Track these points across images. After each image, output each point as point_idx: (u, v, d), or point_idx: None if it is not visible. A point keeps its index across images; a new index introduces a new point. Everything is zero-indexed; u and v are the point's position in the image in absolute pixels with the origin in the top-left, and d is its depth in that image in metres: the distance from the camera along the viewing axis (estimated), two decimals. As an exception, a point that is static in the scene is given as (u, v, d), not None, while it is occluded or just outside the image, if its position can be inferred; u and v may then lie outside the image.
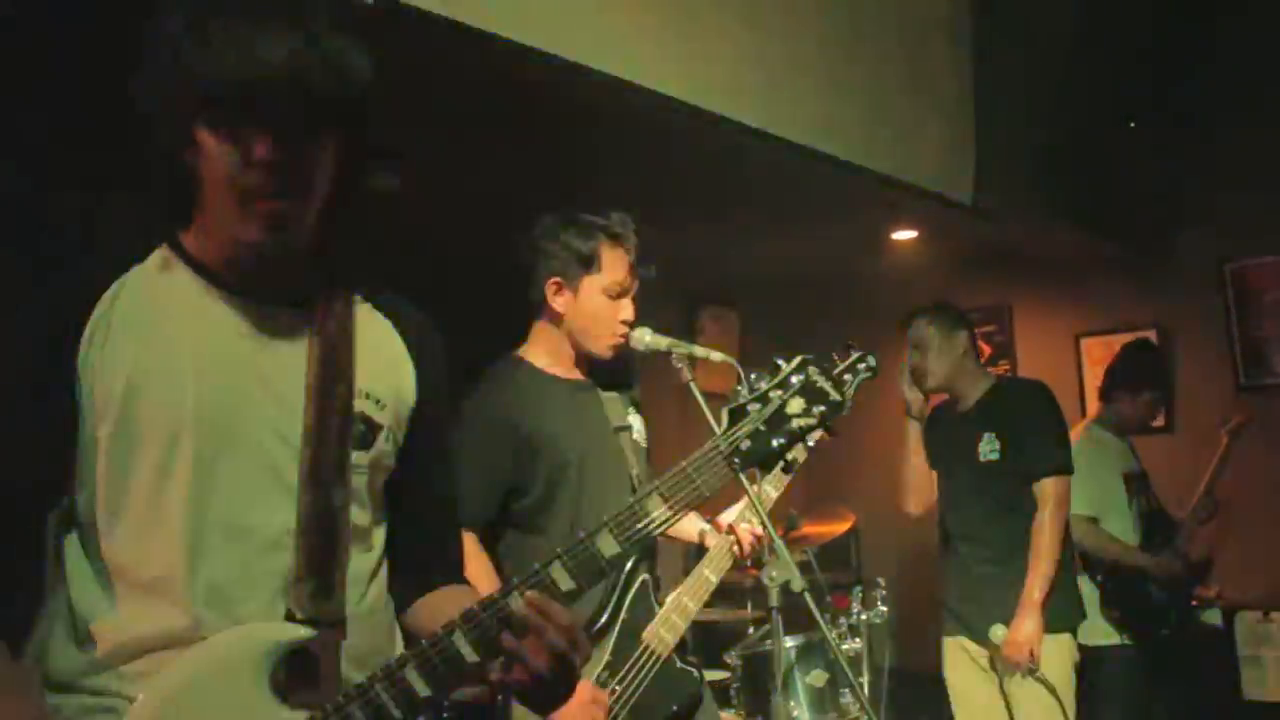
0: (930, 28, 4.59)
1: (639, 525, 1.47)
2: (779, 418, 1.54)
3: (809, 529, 4.34)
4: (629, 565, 2.71)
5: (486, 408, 2.71)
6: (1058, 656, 3.67)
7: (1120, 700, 4.20)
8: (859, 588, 3.90)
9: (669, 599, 2.77)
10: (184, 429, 1.38)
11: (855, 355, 3.11)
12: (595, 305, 2.73)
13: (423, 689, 1.37)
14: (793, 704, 3.54)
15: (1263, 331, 5.42)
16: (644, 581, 2.73)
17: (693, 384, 2.51)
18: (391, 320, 1.59)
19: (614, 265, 2.74)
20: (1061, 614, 3.72)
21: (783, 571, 2.29)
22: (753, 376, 1.57)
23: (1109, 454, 4.46)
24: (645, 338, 2.67)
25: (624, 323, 2.74)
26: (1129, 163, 5.39)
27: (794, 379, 1.57)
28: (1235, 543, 5.03)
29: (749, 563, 2.93)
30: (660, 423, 3.10)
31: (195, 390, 1.39)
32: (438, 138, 3.92)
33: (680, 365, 2.58)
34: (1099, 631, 4.22)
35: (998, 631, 3.57)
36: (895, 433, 4.43)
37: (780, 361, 1.59)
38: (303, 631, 1.37)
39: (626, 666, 2.65)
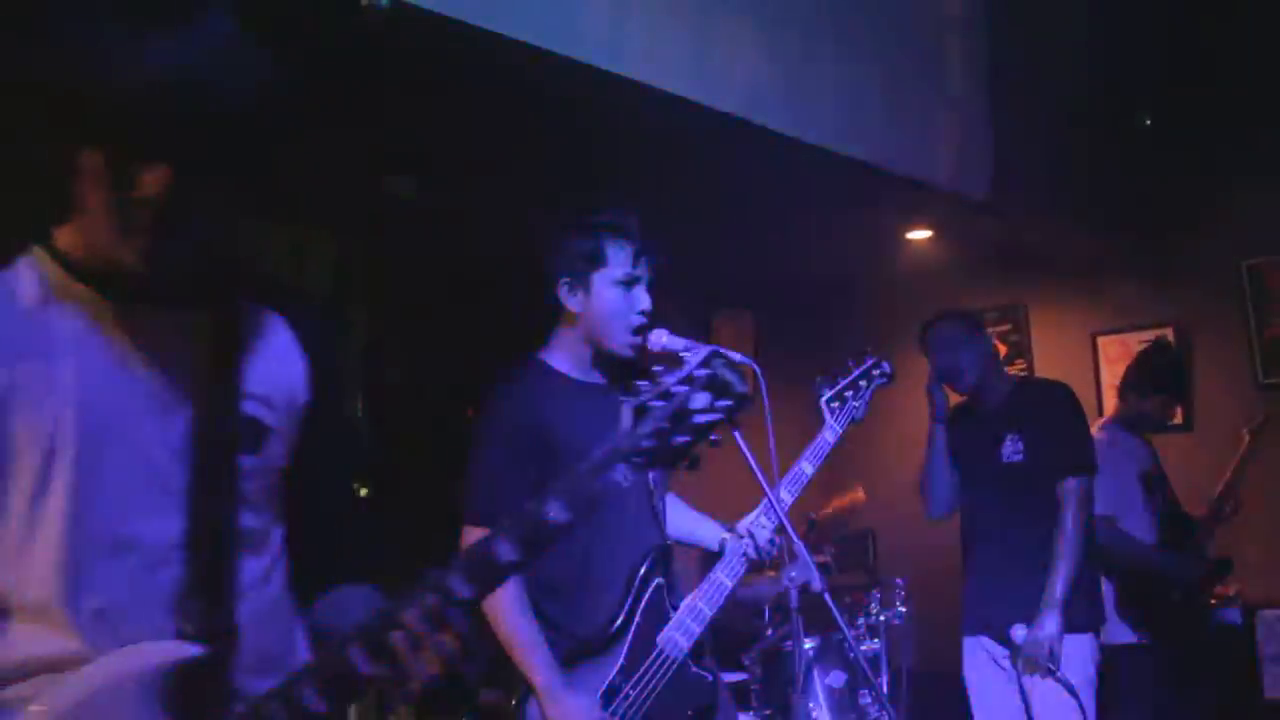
0: (945, 27, 4.58)
1: (537, 530, 1.42)
2: (682, 414, 1.47)
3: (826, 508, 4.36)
4: (644, 568, 2.71)
5: (505, 410, 2.72)
6: (1079, 656, 3.64)
7: (1139, 700, 4.18)
8: (877, 588, 3.90)
9: (684, 604, 2.76)
10: (61, 442, 1.33)
11: (870, 361, 3.14)
12: (609, 298, 2.72)
13: (317, 704, 1.34)
14: (811, 705, 3.54)
15: (1282, 329, 5.39)
16: (658, 586, 2.73)
17: (710, 386, 2.50)
18: (285, 319, 1.55)
19: (619, 256, 2.74)
20: (1083, 614, 3.70)
21: (802, 573, 2.29)
22: (657, 369, 1.52)
23: (1127, 453, 4.43)
24: (662, 339, 2.67)
25: (642, 313, 2.74)
26: (1145, 160, 5.37)
27: (699, 373, 1.49)
28: (1255, 541, 5.00)
29: (766, 565, 2.93)
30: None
31: (74, 400, 1.34)
32: (456, 143, 3.93)
33: (698, 367, 2.58)
34: (1118, 630, 4.20)
35: (1019, 631, 3.55)
36: (912, 433, 4.39)
37: (686, 354, 1.52)
38: (192, 649, 1.34)
39: (640, 671, 2.64)
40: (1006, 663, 3.77)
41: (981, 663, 3.89)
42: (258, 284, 1.56)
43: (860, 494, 4.93)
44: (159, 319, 1.41)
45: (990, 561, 3.86)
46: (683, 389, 1.47)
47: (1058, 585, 3.60)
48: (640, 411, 1.48)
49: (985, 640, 3.85)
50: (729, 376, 1.50)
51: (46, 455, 1.33)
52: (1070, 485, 3.70)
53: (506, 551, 1.40)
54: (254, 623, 1.42)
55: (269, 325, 1.53)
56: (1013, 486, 3.82)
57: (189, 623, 1.35)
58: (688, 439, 1.47)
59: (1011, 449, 3.84)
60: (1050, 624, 3.57)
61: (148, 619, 1.34)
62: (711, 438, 1.51)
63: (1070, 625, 3.60)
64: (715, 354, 1.51)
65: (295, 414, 1.51)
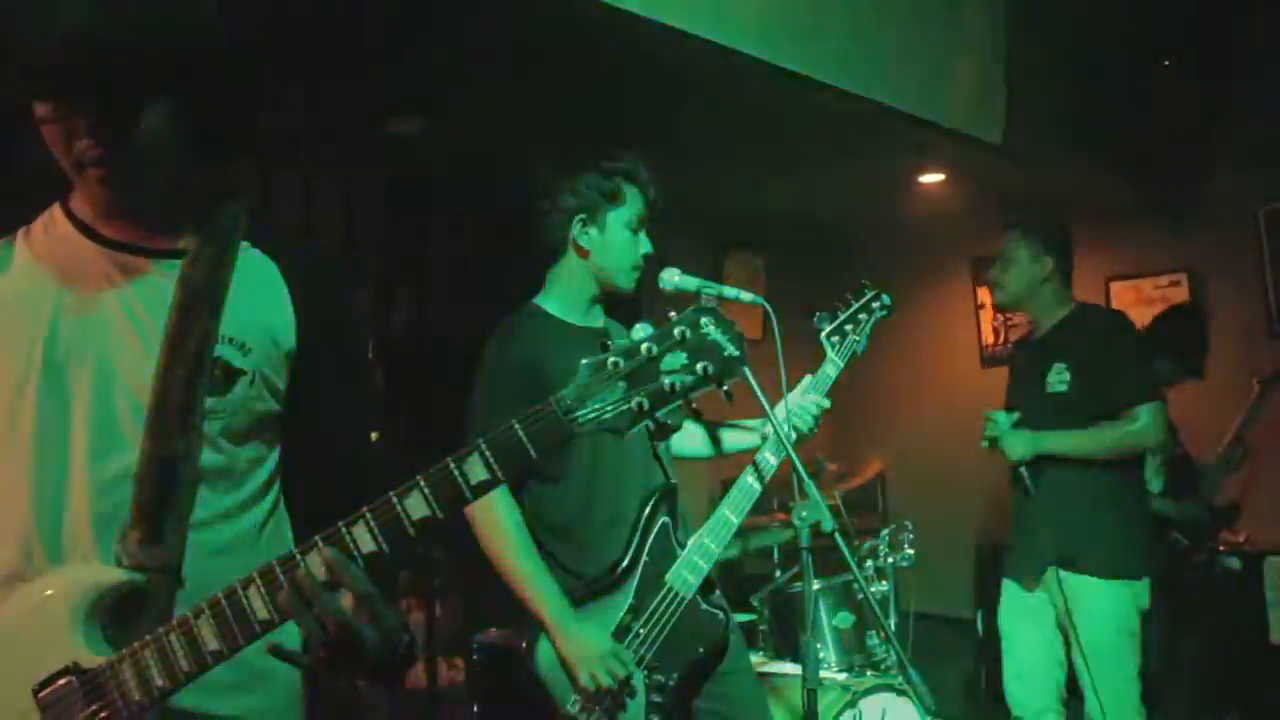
0: (961, -35, 4.51)
1: (454, 487, 1.33)
2: (645, 373, 1.33)
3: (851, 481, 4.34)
4: (648, 508, 2.73)
5: (504, 356, 2.72)
6: (1120, 603, 3.49)
7: (1145, 643, 4.16)
8: (886, 530, 3.88)
9: (690, 541, 2.77)
10: (30, 376, 1.42)
11: (869, 294, 3.11)
12: (620, 239, 2.75)
13: (212, 642, 1.33)
14: (819, 646, 3.55)
15: (1297, 276, 5.33)
16: (664, 524, 2.74)
17: (721, 325, 2.50)
18: (279, 264, 1.56)
19: (634, 200, 2.77)
20: (1126, 559, 3.53)
21: (813, 512, 2.29)
22: (637, 327, 1.37)
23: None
24: (674, 278, 2.66)
25: (644, 256, 2.78)
26: (1161, 103, 5.28)
27: (676, 330, 1.34)
28: (1264, 487, 4.99)
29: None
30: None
31: (46, 339, 1.43)
32: (460, 81, 3.89)
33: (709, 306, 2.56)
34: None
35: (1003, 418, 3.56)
36: (923, 374, 4.41)
37: (671, 313, 1.36)
38: (123, 576, 1.38)
39: (650, 609, 2.67)
40: (1038, 605, 3.65)
41: (1011, 605, 3.77)
42: (257, 228, 1.58)
43: (879, 464, 4.92)
44: (147, 267, 1.48)
45: (1027, 500, 3.65)
46: (651, 346, 1.34)
47: (1065, 437, 3.53)
48: (597, 368, 1.34)
49: (1015, 583, 3.74)
50: (716, 337, 1.35)
51: (18, 386, 1.43)
52: (1141, 412, 3.49)
53: (418, 507, 1.33)
54: (218, 554, 1.46)
55: (261, 273, 1.55)
56: (1054, 419, 3.61)
57: (126, 554, 1.39)
58: (645, 401, 1.33)
59: (1056, 378, 3.63)
60: (1026, 442, 3.53)
61: (96, 547, 1.40)
62: (690, 402, 1.41)
63: (1113, 571, 3.48)
64: (700, 311, 1.37)
65: (278, 359, 1.53)
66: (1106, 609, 3.49)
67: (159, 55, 1.34)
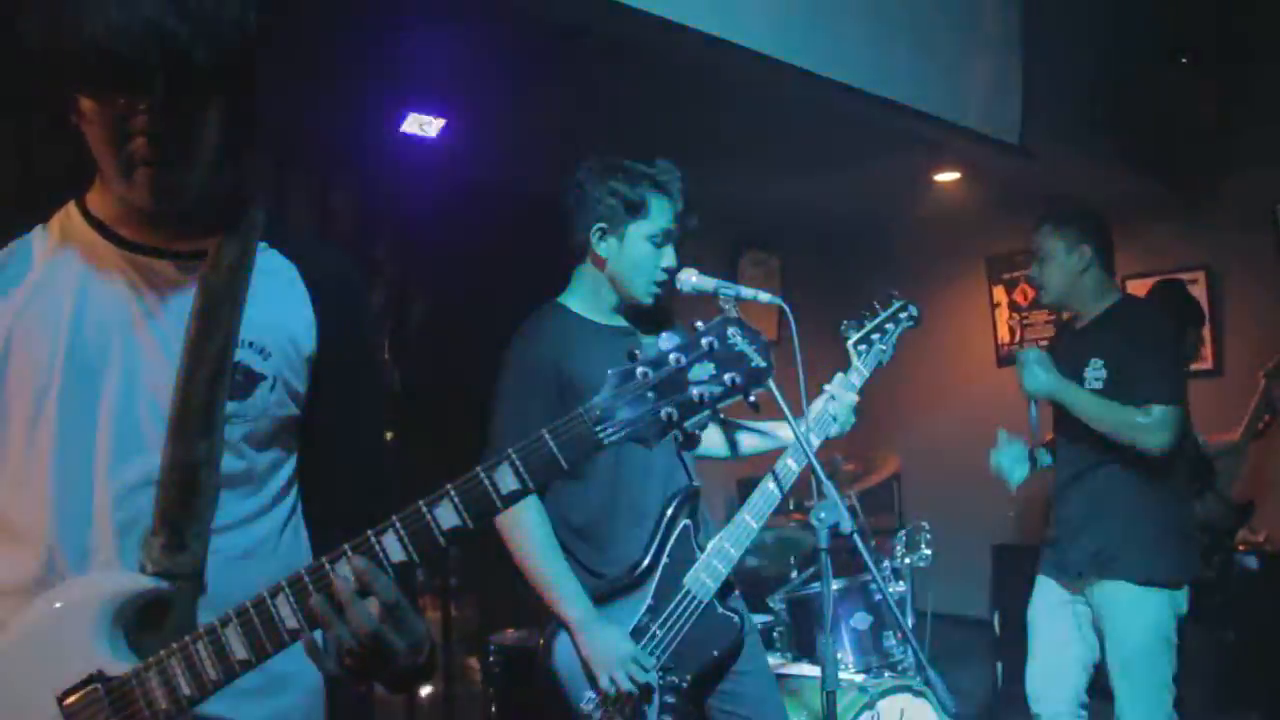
0: (977, -37, 4.49)
1: (485, 497, 1.32)
2: (674, 384, 1.32)
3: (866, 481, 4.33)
4: (670, 510, 2.73)
5: (527, 354, 2.72)
6: (1154, 612, 3.44)
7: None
8: (903, 531, 3.86)
9: (710, 544, 2.77)
10: (52, 381, 1.40)
11: (897, 304, 3.11)
12: (639, 252, 2.73)
13: (240, 651, 1.33)
14: (836, 647, 3.54)
15: (1315, 273, 5.30)
16: (685, 526, 2.75)
17: (738, 326, 2.49)
18: (298, 266, 1.55)
19: (660, 213, 2.73)
20: (1168, 567, 3.47)
21: (831, 513, 2.28)
22: (663, 335, 1.35)
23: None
24: (691, 279, 2.64)
25: (665, 270, 2.74)
26: (1179, 101, 5.26)
27: (704, 341, 1.33)
28: (1282, 487, 4.97)
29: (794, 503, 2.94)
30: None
31: (67, 343, 1.41)
32: (480, 81, 3.89)
33: (727, 307, 2.56)
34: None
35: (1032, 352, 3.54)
36: (941, 376, 4.39)
37: (698, 323, 1.36)
38: (146, 583, 1.37)
39: (667, 610, 2.68)
40: (1070, 600, 3.63)
41: (1043, 601, 3.72)
42: (276, 230, 1.57)
43: (896, 463, 4.91)
44: (168, 271, 1.46)
45: (1070, 498, 3.61)
46: (679, 357, 1.33)
47: (1080, 394, 3.48)
48: (625, 378, 1.33)
49: (1049, 580, 3.71)
50: (744, 348, 1.34)
51: (40, 391, 1.40)
52: (1157, 410, 3.39)
53: (448, 517, 1.33)
54: (239, 559, 1.45)
55: (281, 276, 1.54)
56: None
57: (150, 560, 1.38)
58: (674, 412, 1.32)
59: (1093, 375, 3.55)
60: (1047, 379, 3.51)
61: (118, 553, 1.38)
62: (718, 413, 1.36)
63: (1148, 577, 3.42)
64: (726, 321, 1.36)
65: (299, 363, 1.52)
66: (1141, 615, 3.44)
67: (227, 55, 1.32)
